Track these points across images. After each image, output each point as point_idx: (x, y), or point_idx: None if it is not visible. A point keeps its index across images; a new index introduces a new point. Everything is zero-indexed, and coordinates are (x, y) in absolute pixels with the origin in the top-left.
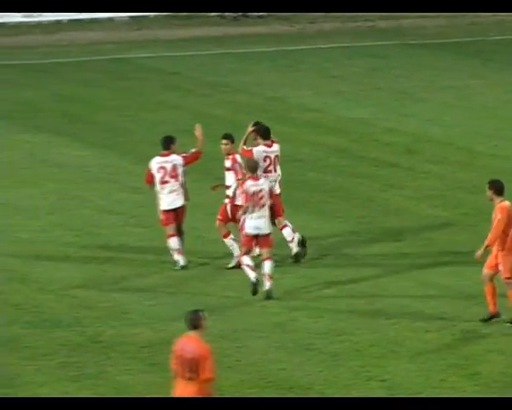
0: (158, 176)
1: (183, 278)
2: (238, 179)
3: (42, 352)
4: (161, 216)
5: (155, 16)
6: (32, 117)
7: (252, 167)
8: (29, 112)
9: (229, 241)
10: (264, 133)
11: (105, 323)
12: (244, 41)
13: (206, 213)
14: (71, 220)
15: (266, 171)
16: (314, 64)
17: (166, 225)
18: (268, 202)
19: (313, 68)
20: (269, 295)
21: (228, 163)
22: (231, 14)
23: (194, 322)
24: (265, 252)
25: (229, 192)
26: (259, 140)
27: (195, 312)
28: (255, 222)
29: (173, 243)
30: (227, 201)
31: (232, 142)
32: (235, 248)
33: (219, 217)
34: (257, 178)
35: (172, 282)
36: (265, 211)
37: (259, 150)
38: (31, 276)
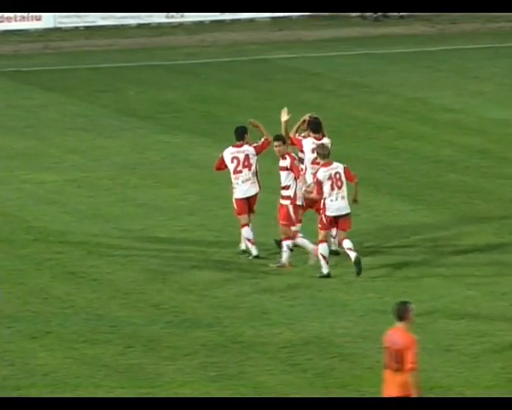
0: (231, 166)
1: (322, 280)
2: (297, 178)
3: (182, 352)
4: (235, 205)
5: (297, 17)
6: (174, 118)
7: (323, 155)
8: (170, 113)
9: (300, 240)
10: (314, 126)
11: (245, 323)
12: (384, 42)
13: None
14: (212, 221)
15: (313, 163)
16: (455, 65)
17: (239, 214)
18: (344, 182)
19: (454, 69)
20: (359, 263)
21: (284, 162)
22: (372, 14)
23: (401, 313)
24: (343, 233)
25: (290, 192)
26: (310, 132)
27: (404, 303)
28: (336, 204)
29: (246, 232)
30: (287, 202)
31: (284, 143)
32: (309, 244)
33: (284, 222)
34: (330, 163)
35: (312, 282)
36: (344, 192)
37: (308, 142)
38: (171, 276)
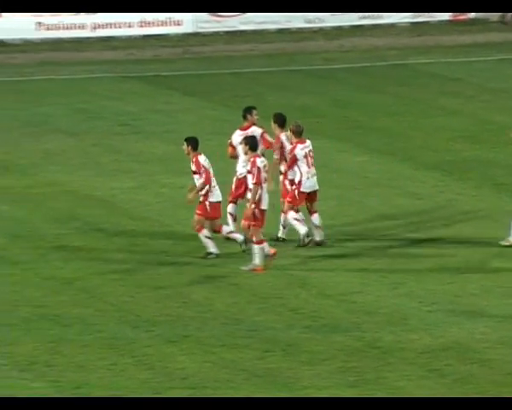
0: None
1: (461, 285)
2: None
3: (320, 357)
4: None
5: (436, 22)
6: (312, 123)
7: (299, 132)
8: (309, 117)
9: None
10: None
11: (383, 328)
12: None
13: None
14: (351, 227)
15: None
16: None
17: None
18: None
19: None
20: (323, 243)
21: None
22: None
23: None
24: (314, 205)
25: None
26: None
27: None
28: (311, 181)
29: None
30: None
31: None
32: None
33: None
34: (304, 141)
35: (451, 288)
36: (314, 169)
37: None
38: (310, 280)
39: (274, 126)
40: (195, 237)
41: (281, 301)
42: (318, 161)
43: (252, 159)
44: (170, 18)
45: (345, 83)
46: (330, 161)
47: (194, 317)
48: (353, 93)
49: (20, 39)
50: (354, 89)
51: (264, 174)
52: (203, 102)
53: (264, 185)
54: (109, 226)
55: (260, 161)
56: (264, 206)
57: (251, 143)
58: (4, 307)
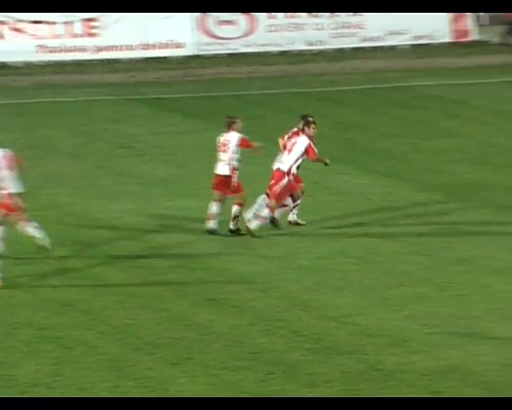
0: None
1: (462, 307)
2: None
3: (322, 379)
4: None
5: (437, 44)
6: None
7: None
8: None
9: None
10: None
11: (385, 351)
12: None
13: None
14: (352, 248)
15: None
16: None
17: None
18: None
19: None
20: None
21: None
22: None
23: None
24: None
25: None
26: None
27: None
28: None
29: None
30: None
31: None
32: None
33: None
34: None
35: (453, 311)
36: None
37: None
38: (312, 303)
39: None
40: (197, 260)
41: (283, 324)
42: (320, 183)
43: None
44: (171, 40)
45: (346, 105)
46: (332, 183)
47: (197, 339)
48: (355, 115)
49: (22, 62)
50: (356, 111)
51: None
52: (205, 124)
53: None
54: (110, 248)
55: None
56: None
57: None
58: (5, 330)
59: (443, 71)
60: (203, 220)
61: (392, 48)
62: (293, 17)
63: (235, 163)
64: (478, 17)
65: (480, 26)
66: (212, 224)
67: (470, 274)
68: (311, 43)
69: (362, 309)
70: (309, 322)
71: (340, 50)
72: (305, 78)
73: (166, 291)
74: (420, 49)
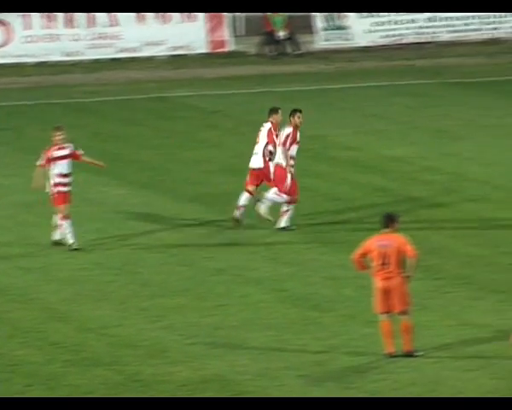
0: None
1: (221, 318)
2: None
3: (82, 390)
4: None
5: (195, 55)
6: None
7: None
8: None
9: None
10: None
11: (144, 362)
12: (283, 80)
13: None
14: (110, 259)
15: None
16: (353, 102)
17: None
18: None
19: (352, 107)
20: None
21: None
22: (270, 52)
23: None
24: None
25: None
26: None
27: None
28: None
29: None
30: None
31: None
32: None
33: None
34: None
35: (211, 321)
36: None
37: None
38: (70, 314)
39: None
40: None
41: (42, 335)
42: (78, 195)
43: None
44: None
45: (104, 115)
46: (90, 194)
47: None
48: (113, 126)
49: None
50: (114, 122)
51: None
52: None
53: None
54: None
55: None
56: None
57: None
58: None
59: (201, 81)
60: None
61: (149, 59)
62: (49, 28)
63: None
64: (235, 28)
65: (237, 36)
66: None
67: (229, 284)
68: (67, 54)
69: (120, 320)
70: (68, 333)
71: (97, 61)
72: (61, 88)
73: None
74: (177, 60)
